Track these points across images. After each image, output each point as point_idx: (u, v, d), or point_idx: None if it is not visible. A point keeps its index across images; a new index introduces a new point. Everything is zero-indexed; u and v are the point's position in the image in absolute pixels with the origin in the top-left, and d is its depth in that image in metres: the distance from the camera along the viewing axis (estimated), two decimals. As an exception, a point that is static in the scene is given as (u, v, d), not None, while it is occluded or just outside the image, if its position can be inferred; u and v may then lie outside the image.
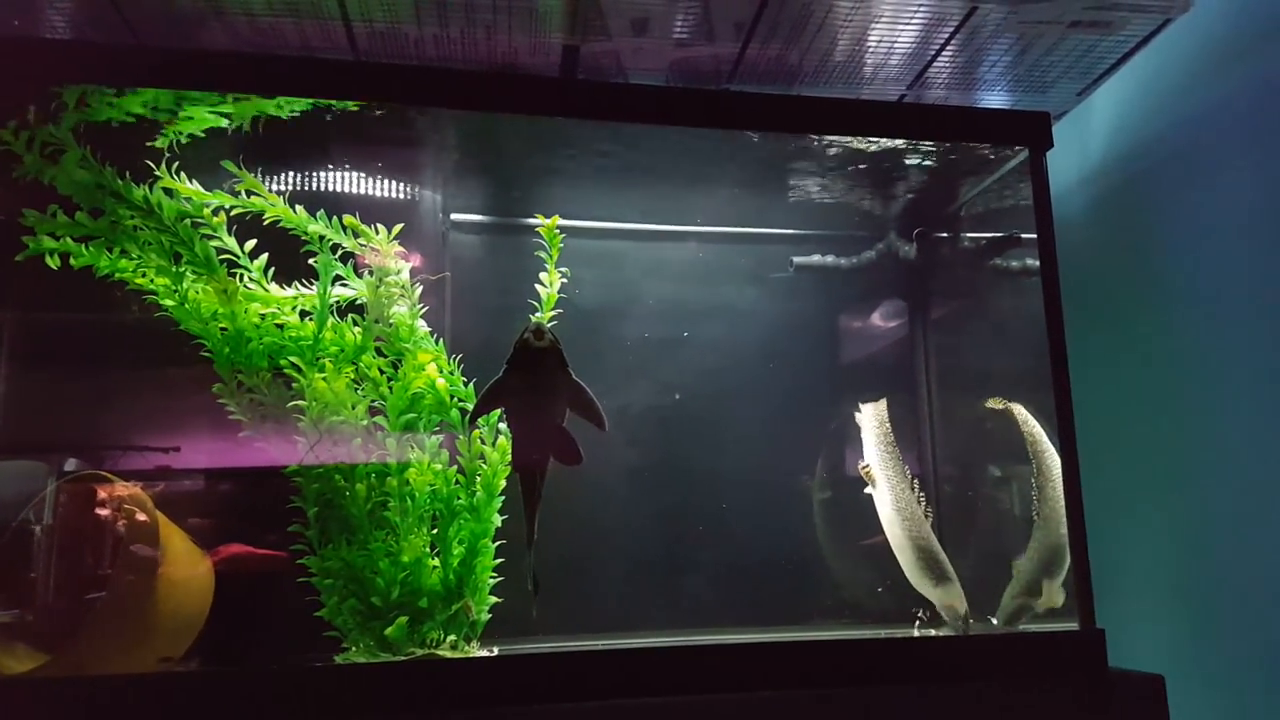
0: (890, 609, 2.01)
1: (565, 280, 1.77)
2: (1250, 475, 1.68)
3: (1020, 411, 1.95)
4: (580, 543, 1.96)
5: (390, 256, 1.73)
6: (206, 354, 1.64)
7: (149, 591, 1.50)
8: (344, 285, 1.73)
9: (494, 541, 1.71)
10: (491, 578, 1.71)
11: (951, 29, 1.73)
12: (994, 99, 1.96)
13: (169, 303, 1.64)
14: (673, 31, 1.71)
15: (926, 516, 1.88)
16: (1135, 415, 1.96)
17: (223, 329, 1.65)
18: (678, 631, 1.87)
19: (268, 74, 1.61)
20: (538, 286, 1.76)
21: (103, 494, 1.62)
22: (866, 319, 2.37)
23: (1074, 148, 2.11)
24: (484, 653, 1.65)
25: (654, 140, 1.89)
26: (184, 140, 1.66)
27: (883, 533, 1.92)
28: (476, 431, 1.72)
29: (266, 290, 1.69)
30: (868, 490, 1.94)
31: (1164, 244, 1.89)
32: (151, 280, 1.63)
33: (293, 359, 1.66)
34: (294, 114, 1.66)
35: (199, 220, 1.64)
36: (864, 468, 1.94)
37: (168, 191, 1.63)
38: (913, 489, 1.90)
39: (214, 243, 1.65)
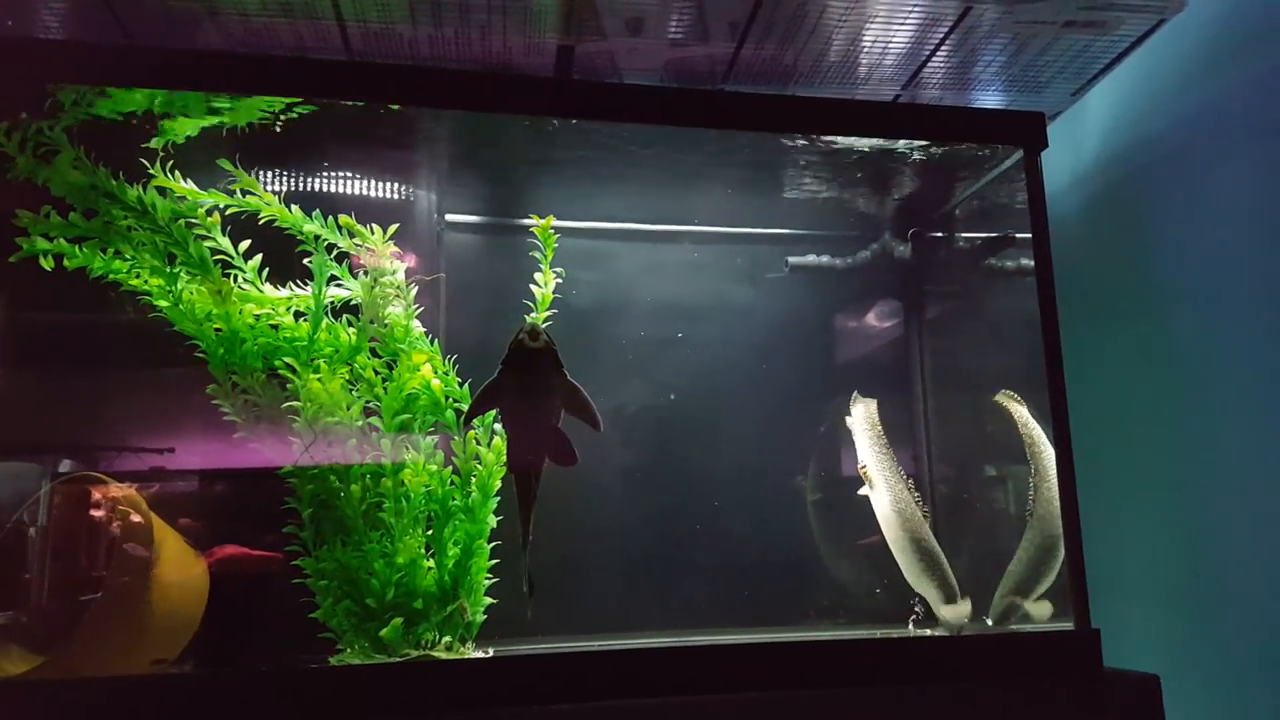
0: (886, 609, 2.01)
1: (560, 280, 1.77)
2: (1246, 475, 1.68)
3: (1021, 414, 1.95)
4: (575, 543, 1.96)
5: (385, 257, 1.73)
6: (201, 355, 1.64)
7: (143, 593, 1.49)
8: (339, 286, 1.72)
9: (489, 542, 1.71)
10: (486, 579, 1.71)
11: (946, 29, 1.73)
12: (989, 99, 1.96)
13: (163, 303, 1.63)
14: (667, 31, 1.71)
15: (925, 518, 1.88)
16: (1130, 415, 1.96)
17: (217, 330, 1.64)
18: (673, 632, 1.87)
19: (261, 74, 1.61)
20: (532, 287, 1.76)
21: (97, 495, 1.61)
22: (861, 319, 2.37)
23: (1069, 148, 2.11)
24: (479, 654, 1.64)
25: (648, 140, 1.89)
26: (179, 141, 1.66)
27: (878, 533, 1.92)
28: (471, 432, 1.72)
29: (261, 291, 1.69)
30: (862, 491, 1.94)
31: (1159, 243, 1.90)
32: (146, 281, 1.63)
33: (287, 360, 1.66)
34: (285, 114, 1.66)
35: (193, 221, 1.64)
36: (862, 468, 1.94)
37: (162, 191, 1.63)
38: (910, 490, 1.90)
39: (208, 243, 1.65)
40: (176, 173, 1.64)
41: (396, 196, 1.99)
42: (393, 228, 1.73)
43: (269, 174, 1.73)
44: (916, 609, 1.93)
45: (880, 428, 1.97)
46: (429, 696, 1.39)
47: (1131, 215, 1.97)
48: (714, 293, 2.24)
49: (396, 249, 1.74)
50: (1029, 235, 1.76)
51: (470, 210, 2.14)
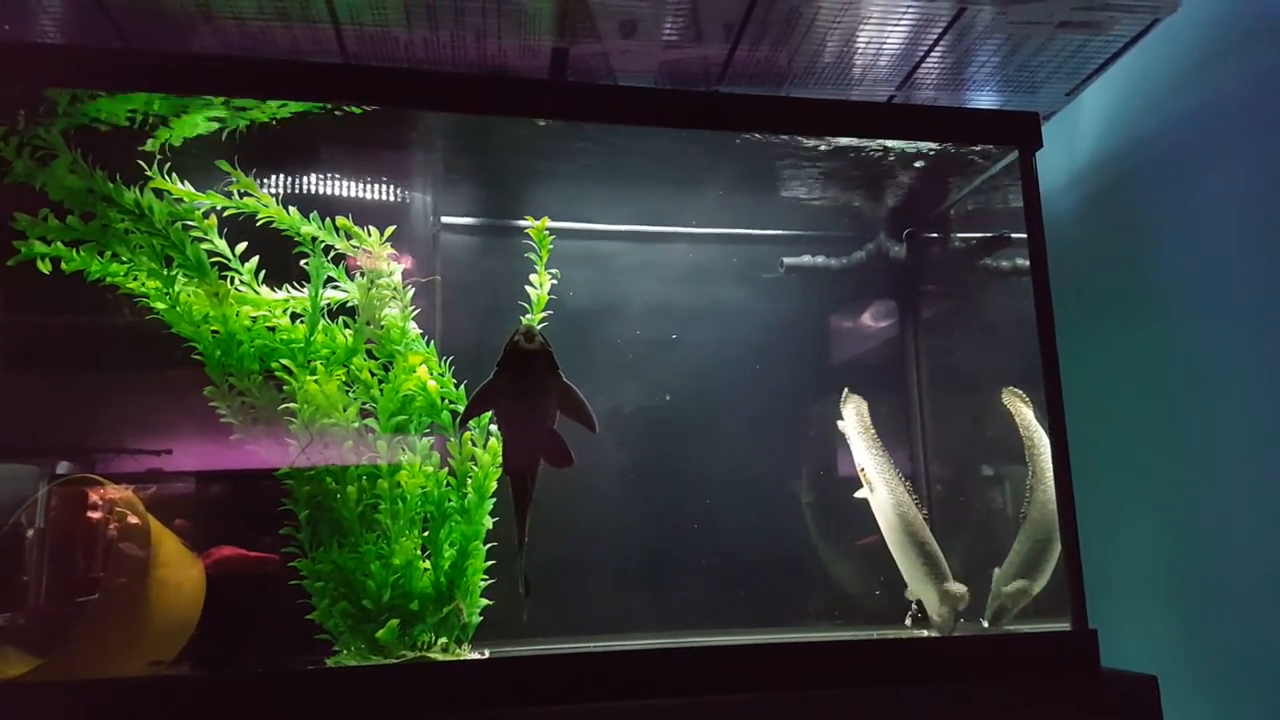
0: (882, 609, 2.01)
1: (555, 282, 1.77)
2: (1243, 475, 1.68)
3: (1025, 415, 1.94)
4: (571, 545, 1.96)
5: (382, 259, 1.74)
6: (198, 357, 1.64)
7: (140, 595, 1.50)
8: (336, 288, 1.73)
9: (485, 544, 1.71)
10: (482, 580, 1.71)
11: (940, 29, 1.73)
12: (983, 99, 1.97)
13: (160, 305, 1.64)
14: (661, 33, 1.71)
15: (926, 521, 1.88)
16: (1126, 415, 1.96)
17: (214, 332, 1.65)
18: (669, 633, 1.87)
19: (257, 77, 1.62)
20: (528, 288, 1.76)
21: (94, 497, 1.62)
22: (857, 319, 2.37)
23: (1063, 148, 2.11)
24: (475, 655, 1.65)
25: (643, 142, 1.90)
26: (175, 144, 1.67)
27: (874, 534, 1.92)
28: (467, 434, 1.72)
29: (258, 293, 1.69)
30: (859, 494, 1.94)
31: (1153, 243, 1.90)
32: (143, 284, 1.64)
33: (284, 361, 1.66)
34: (277, 117, 1.67)
35: (190, 223, 1.65)
36: (861, 471, 1.94)
37: (159, 193, 1.63)
38: (909, 491, 1.90)
39: (205, 245, 1.66)
40: (173, 175, 1.65)
41: (392, 198, 1.99)
42: (389, 229, 1.74)
43: (264, 176, 1.73)
44: (914, 609, 1.93)
45: (870, 426, 1.97)
46: (425, 698, 1.39)
47: (1126, 215, 1.97)
48: (709, 293, 2.24)
49: (393, 250, 1.75)
50: (1024, 235, 1.76)
51: (466, 212, 2.14)
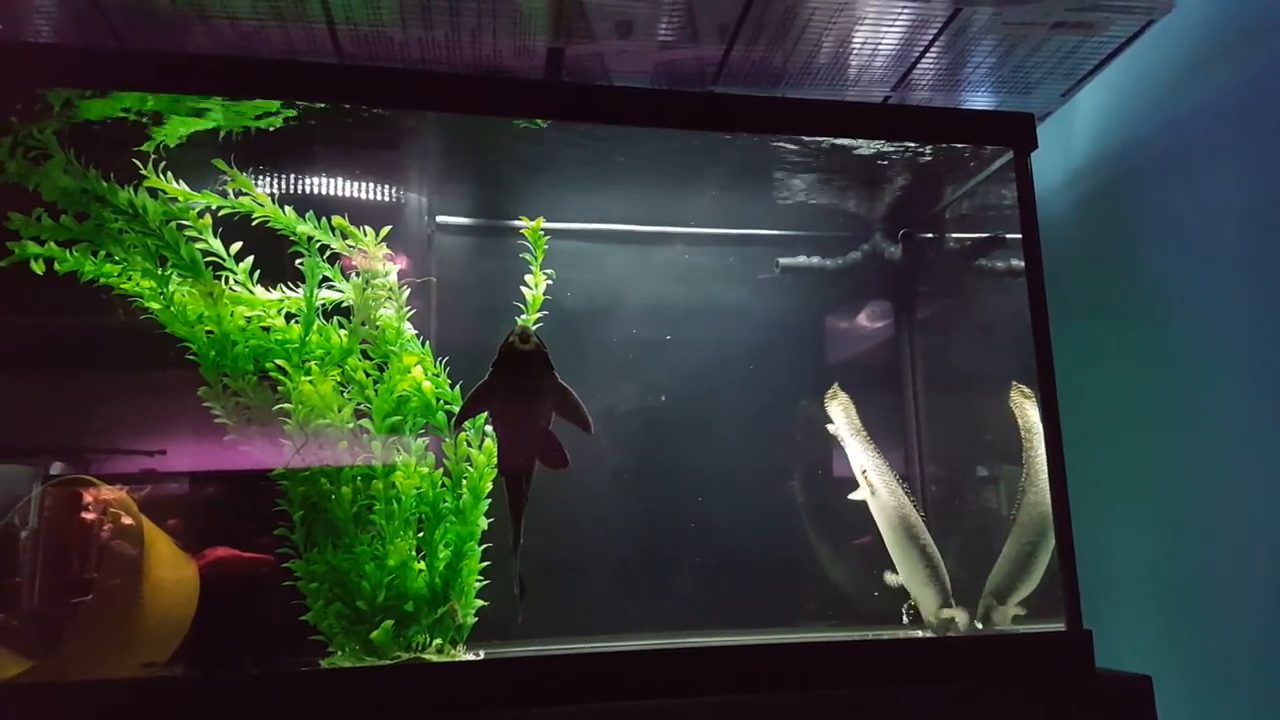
0: (878, 609, 2.01)
1: (550, 282, 1.77)
2: (1238, 475, 1.68)
3: (1029, 418, 1.94)
4: (566, 545, 1.96)
5: (377, 259, 1.73)
6: (192, 357, 1.64)
7: (133, 596, 1.49)
8: (331, 288, 1.73)
9: (480, 545, 1.71)
10: (477, 581, 1.70)
11: (935, 30, 1.73)
12: (978, 100, 1.97)
13: (155, 305, 1.63)
14: (657, 34, 1.71)
15: (927, 526, 1.88)
16: (1121, 416, 1.96)
17: (208, 332, 1.64)
18: (665, 634, 1.87)
19: (251, 77, 1.61)
20: (523, 289, 1.76)
21: (88, 498, 1.61)
22: (852, 320, 2.37)
23: (1058, 148, 2.11)
24: (470, 656, 1.64)
25: (638, 142, 1.90)
26: (170, 144, 1.66)
27: (869, 534, 1.91)
28: (462, 434, 1.72)
29: (252, 293, 1.69)
30: (854, 495, 1.94)
31: (1148, 244, 1.90)
32: (137, 284, 1.63)
33: (278, 362, 1.66)
34: (273, 119, 1.67)
35: (184, 223, 1.64)
36: (864, 474, 1.93)
37: (153, 193, 1.63)
38: (907, 492, 1.90)
39: (199, 245, 1.65)
40: (168, 174, 1.64)
41: (387, 199, 1.99)
42: (385, 230, 1.74)
43: (258, 176, 1.72)
44: (909, 609, 1.93)
45: (863, 429, 1.97)
46: (420, 699, 1.39)
47: (1121, 216, 1.98)
48: (705, 294, 2.24)
49: (388, 251, 1.74)
50: (1019, 236, 1.77)
51: (461, 212, 2.14)
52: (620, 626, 1.88)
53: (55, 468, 1.71)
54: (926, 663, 1.57)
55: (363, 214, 1.76)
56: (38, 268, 1.59)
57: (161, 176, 1.63)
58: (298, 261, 1.70)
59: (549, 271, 1.77)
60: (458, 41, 1.70)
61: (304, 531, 1.63)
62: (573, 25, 1.67)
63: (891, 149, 1.95)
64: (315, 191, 1.92)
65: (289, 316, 1.70)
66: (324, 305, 1.72)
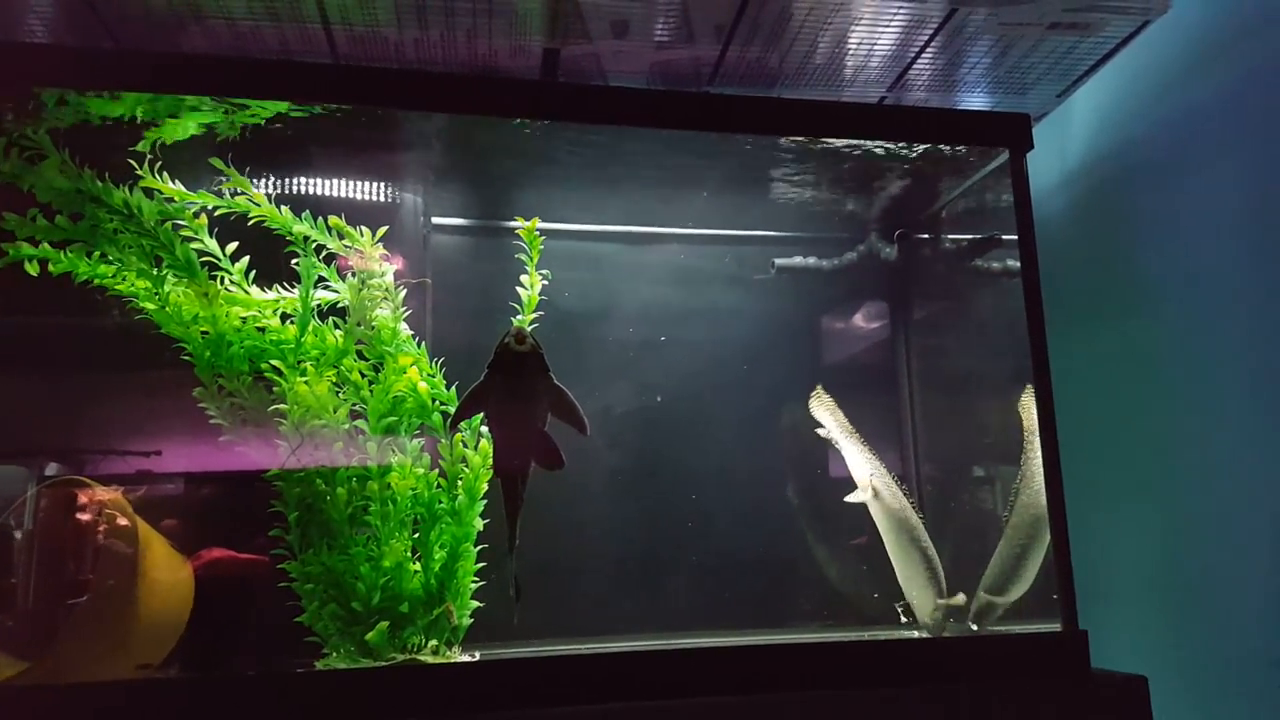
0: (872, 609, 2.01)
1: (546, 283, 1.77)
2: (1234, 475, 1.68)
3: (1033, 420, 1.94)
4: (562, 546, 1.95)
5: (373, 259, 1.73)
6: (187, 358, 1.64)
7: (128, 597, 1.49)
8: (327, 288, 1.72)
9: (475, 545, 1.71)
10: (473, 582, 1.70)
11: (931, 31, 1.73)
12: (974, 101, 1.97)
13: (150, 306, 1.63)
14: (653, 34, 1.71)
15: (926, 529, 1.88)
16: (1117, 416, 1.96)
17: (204, 332, 1.64)
18: (661, 635, 1.87)
19: (246, 78, 1.61)
20: (519, 289, 1.76)
21: (83, 499, 1.61)
22: (848, 320, 2.38)
23: (1054, 149, 2.12)
24: (465, 658, 1.64)
25: (634, 142, 1.89)
26: (167, 143, 1.66)
27: (865, 535, 1.92)
28: (458, 435, 1.72)
29: (247, 293, 1.68)
30: (849, 497, 1.94)
31: (1144, 244, 1.90)
32: (131, 284, 1.63)
33: (274, 362, 1.66)
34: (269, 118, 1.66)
35: (180, 223, 1.64)
36: (870, 477, 1.93)
37: (148, 193, 1.63)
38: (906, 493, 1.90)
39: (195, 245, 1.65)
40: (164, 174, 1.64)
41: (383, 199, 1.99)
42: (381, 230, 1.73)
43: (254, 176, 1.72)
44: (904, 609, 1.93)
45: (854, 430, 1.97)
46: (415, 701, 1.39)
47: (1117, 216, 1.98)
48: (700, 295, 2.24)
49: (384, 251, 1.74)
50: (1014, 236, 1.77)
51: (456, 213, 2.14)
52: (616, 627, 1.88)
53: (50, 468, 1.70)
54: (922, 663, 1.57)
55: (358, 214, 1.75)
56: (32, 269, 1.58)
57: (156, 176, 1.63)
58: (293, 262, 1.69)
59: (544, 272, 1.77)
60: (453, 42, 1.70)
61: (299, 532, 1.63)
62: (568, 25, 1.67)
63: (887, 149, 1.95)
64: (311, 192, 1.92)
65: (284, 317, 1.70)
66: (320, 306, 1.72)
